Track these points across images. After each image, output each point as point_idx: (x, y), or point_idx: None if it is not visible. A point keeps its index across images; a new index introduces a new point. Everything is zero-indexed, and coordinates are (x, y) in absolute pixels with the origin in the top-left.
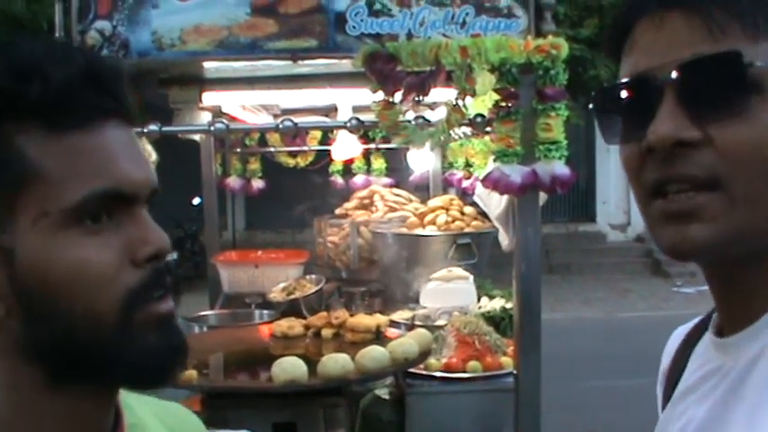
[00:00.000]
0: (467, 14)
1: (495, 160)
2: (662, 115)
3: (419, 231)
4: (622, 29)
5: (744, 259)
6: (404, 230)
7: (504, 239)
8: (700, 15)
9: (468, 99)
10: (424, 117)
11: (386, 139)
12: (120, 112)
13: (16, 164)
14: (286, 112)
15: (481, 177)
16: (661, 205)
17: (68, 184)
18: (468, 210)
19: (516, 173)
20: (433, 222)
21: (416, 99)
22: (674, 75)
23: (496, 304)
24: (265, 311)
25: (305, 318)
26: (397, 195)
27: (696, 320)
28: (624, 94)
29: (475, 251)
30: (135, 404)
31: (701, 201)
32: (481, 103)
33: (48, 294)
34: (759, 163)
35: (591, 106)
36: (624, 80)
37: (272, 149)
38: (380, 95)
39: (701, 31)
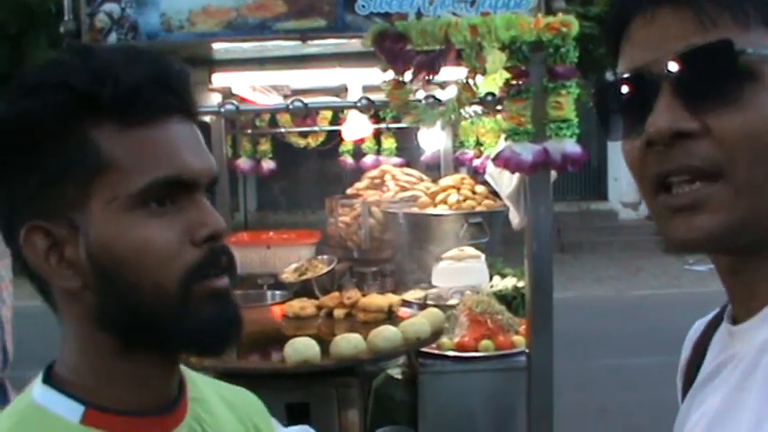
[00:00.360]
0: None
1: (505, 139)
2: (659, 108)
3: (430, 211)
4: (617, 26)
5: (752, 247)
6: (415, 210)
7: (515, 218)
8: (690, 8)
9: (479, 78)
10: (434, 96)
11: (396, 119)
12: (183, 109)
13: (92, 156)
14: (296, 92)
15: (492, 156)
16: (665, 200)
17: (135, 172)
18: (480, 189)
19: (527, 151)
20: (444, 201)
21: (427, 78)
22: (668, 68)
23: (508, 283)
24: (277, 292)
25: (317, 298)
26: (408, 175)
27: (714, 312)
28: (622, 90)
29: (486, 230)
30: (199, 382)
31: (704, 192)
32: (492, 81)
33: (116, 269)
34: (757, 149)
35: (591, 105)
36: (621, 76)
37: (282, 130)
38: (390, 75)
39: (692, 23)
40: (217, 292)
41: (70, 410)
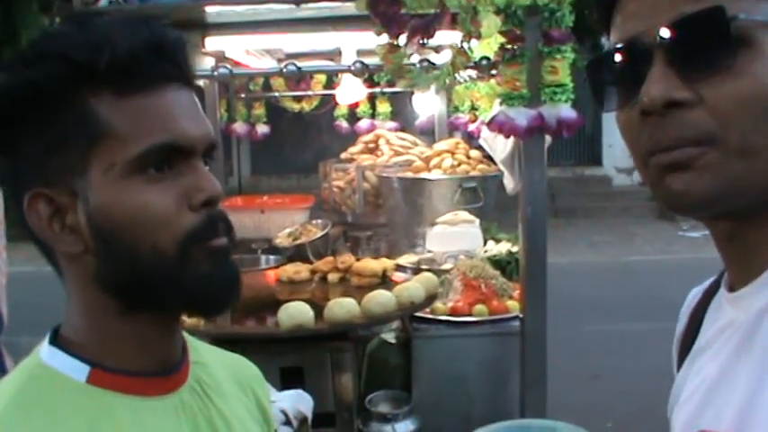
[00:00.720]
0: None
1: (500, 103)
2: (652, 77)
3: (425, 175)
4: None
5: (747, 212)
6: (409, 174)
7: (509, 183)
8: None
9: (474, 42)
10: (428, 60)
11: (391, 83)
12: (180, 77)
13: (90, 123)
14: (290, 56)
15: (486, 121)
16: (657, 159)
17: (132, 139)
18: (474, 153)
19: (522, 116)
20: (438, 166)
21: (421, 42)
22: (660, 37)
23: (502, 248)
24: (272, 257)
25: (311, 263)
26: (403, 139)
27: (710, 280)
28: (615, 61)
29: (481, 195)
30: (201, 348)
31: (694, 152)
32: (486, 45)
33: (115, 234)
34: (751, 116)
35: (585, 78)
36: (613, 47)
37: (276, 94)
38: (385, 38)
39: None
40: (215, 251)
41: (76, 370)
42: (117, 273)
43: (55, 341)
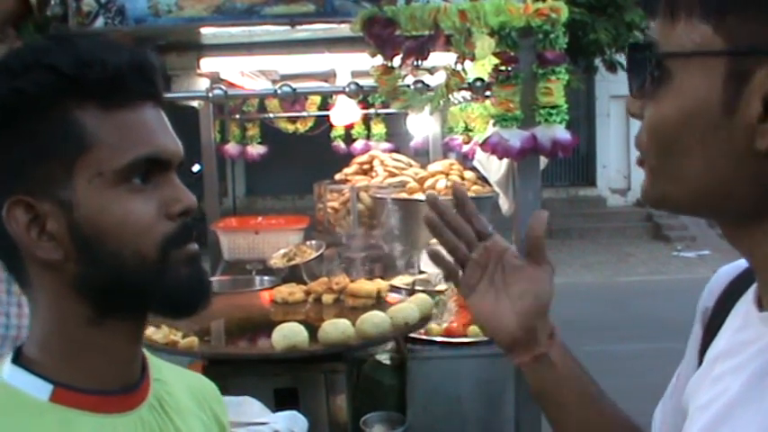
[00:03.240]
0: None
1: (494, 125)
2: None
3: (419, 196)
4: None
5: (720, 218)
6: (404, 195)
7: (505, 204)
8: None
9: (468, 63)
10: (423, 81)
11: (385, 104)
12: (156, 96)
13: (77, 134)
14: (285, 77)
15: (480, 142)
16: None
17: (119, 150)
18: (469, 174)
19: (515, 137)
20: (432, 187)
21: (415, 63)
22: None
23: None
24: (266, 277)
25: (305, 283)
26: (397, 160)
27: (743, 267)
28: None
29: None
30: (160, 365)
31: (642, 158)
32: (481, 67)
33: (100, 240)
34: (659, 143)
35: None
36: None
37: (271, 115)
38: (379, 60)
39: (652, 10)
40: (190, 256)
41: (39, 389)
42: (99, 277)
43: (17, 360)
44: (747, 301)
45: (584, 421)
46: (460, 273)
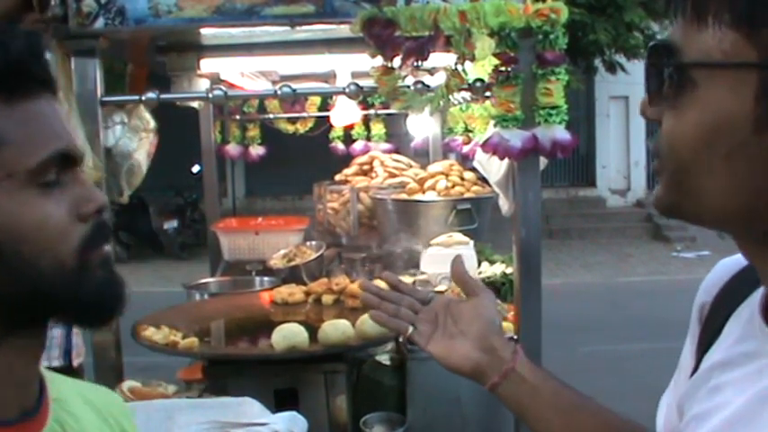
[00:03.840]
0: None
1: (495, 125)
2: (646, 90)
3: (419, 197)
4: None
5: (728, 230)
6: (404, 196)
7: (505, 204)
8: None
9: (468, 64)
10: (422, 82)
11: (385, 105)
12: (52, 87)
13: None
14: (285, 78)
15: (481, 142)
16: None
17: (30, 147)
18: (468, 175)
19: (516, 137)
20: (432, 188)
21: (415, 64)
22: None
23: (497, 269)
24: (266, 278)
25: (305, 284)
26: (397, 161)
27: (745, 263)
28: None
29: (475, 216)
30: (59, 381)
31: (658, 167)
32: (481, 67)
33: (16, 248)
34: (678, 157)
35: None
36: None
37: (270, 116)
38: (379, 61)
39: (673, 12)
40: (104, 257)
41: None
42: (10, 290)
43: None
44: (752, 306)
45: (568, 428)
46: (410, 329)
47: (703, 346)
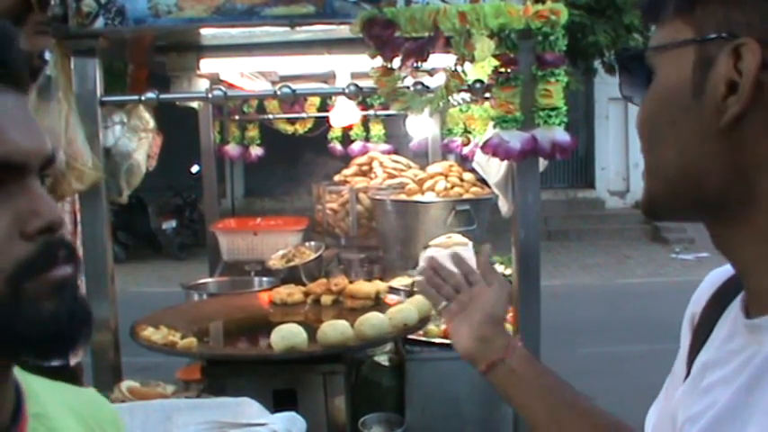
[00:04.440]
0: None
1: (494, 126)
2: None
3: (418, 198)
4: None
5: (703, 216)
6: (403, 197)
7: (504, 205)
8: None
9: (467, 65)
10: (422, 83)
11: (384, 106)
12: (6, 78)
13: None
14: (284, 78)
15: (480, 144)
16: None
17: None
18: (468, 176)
19: (515, 139)
20: (431, 189)
21: (415, 65)
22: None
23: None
24: (265, 279)
25: (304, 285)
26: (396, 162)
27: (732, 272)
28: None
29: (474, 217)
30: (41, 391)
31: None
32: (480, 68)
33: None
34: (643, 137)
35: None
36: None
37: (270, 116)
38: (379, 61)
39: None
40: (57, 284)
41: None
42: None
43: None
44: (735, 308)
45: (552, 423)
46: (443, 304)
47: (694, 352)
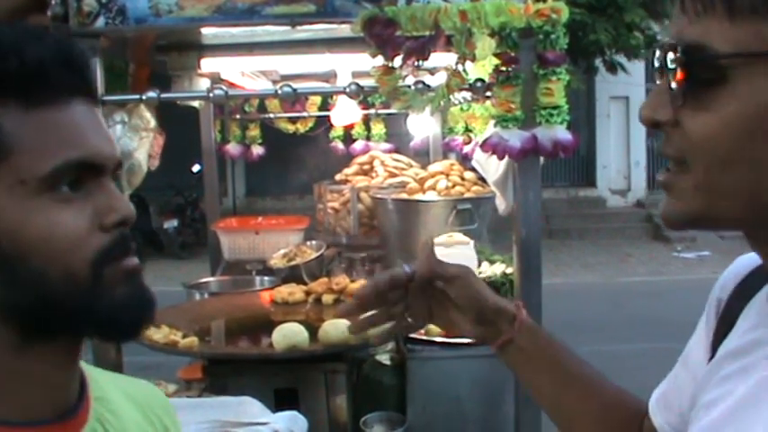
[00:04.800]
0: None
1: (495, 125)
2: (651, 94)
3: (419, 197)
4: None
5: (742, 228)
6: (404, 196)
7: (502, 204)
8: None
9: (468, 64)
10: (423, 82)
11: (386, 105)
12: (86, 92)
13: None
14: (285, 77)
15: (480, 142)
16: (659, 176)
17: (43, 154)
18: (469, 175)
19: (515, 137)
20: (433, 188)
21: (416, 64)
22: (657, 55)
23: (497, 269)
24: (266, 278)
25: (306, 284)
26: (397, 161)
27: (758, 261)
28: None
29: (475, 216)
30: (100, 378)
31: (672, 178)
32: (481, 67)
33: (24, 256)
34: (715, 154)
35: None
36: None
37: (271, 115)
38: (380, 60)
39: (691, 8)
40: (129, 272)
41: None
42: (22, 298)
43: None
44: (761, 298)
45: (555, 403)
46: (394, 323)
47: (719, 338)
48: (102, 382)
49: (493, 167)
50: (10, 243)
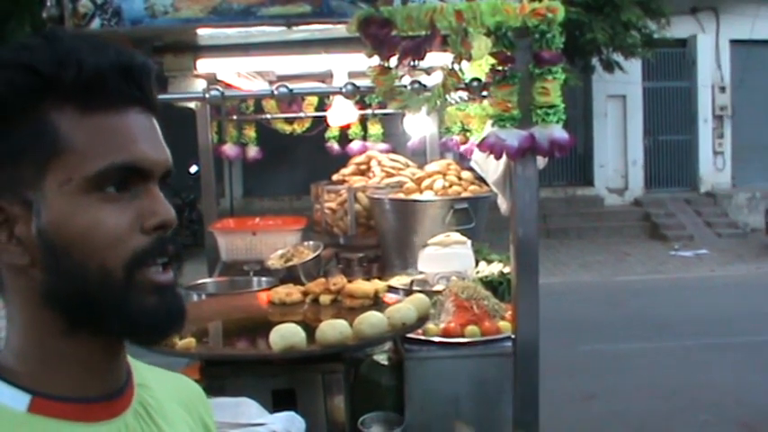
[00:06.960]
0: None
1: (492, 125)
2: None
3: (416, 197)
4: None
5: None
6: (401, 196)
7: (503, 204)
8: None
9: (465, 63)
10: (419, 82)
11: (382, 105)
12: (143, 101)
13: (49, 137)
14: (281, 78)
15: (477, 142)
16: None
17: (92, 156)
18: (466, 174)
19: (513, 137)
20: (430, 187)
21: (412, 64)
22: None
23: (494, 269)
24: (263, 278)
25: (303, 284)
26: (394, 161)
27: None
28: None
29: (472, 216)
30: (140, 368)
31: None
32: (477, 67)
33: (65, 249)
34: None
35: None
36: None
37: (268, 116)
38: (376, 60)
39: None
40: (161, 286)
41: (16, 400)
42: (62, 289)
43: None
44: None
45: None
46: None
47: None
48: (144, 372)
49: (492, 167)
50: (56, 235)
